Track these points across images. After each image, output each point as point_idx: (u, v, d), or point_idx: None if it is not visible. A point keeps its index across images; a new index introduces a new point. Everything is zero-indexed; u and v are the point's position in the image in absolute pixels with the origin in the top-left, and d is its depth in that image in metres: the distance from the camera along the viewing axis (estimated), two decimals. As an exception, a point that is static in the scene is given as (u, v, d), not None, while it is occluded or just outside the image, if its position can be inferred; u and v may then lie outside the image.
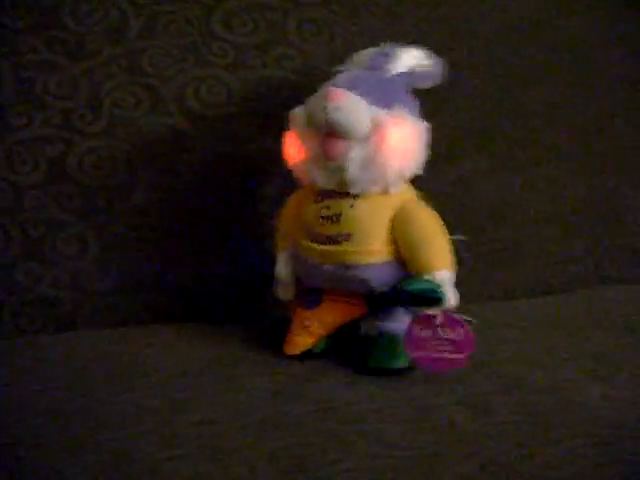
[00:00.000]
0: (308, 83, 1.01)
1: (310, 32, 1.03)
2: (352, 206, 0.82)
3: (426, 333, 0.80)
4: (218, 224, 1.00)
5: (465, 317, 0.80)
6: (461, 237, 0.85)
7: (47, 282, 0.95)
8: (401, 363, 0.82)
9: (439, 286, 0.79)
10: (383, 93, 0.82)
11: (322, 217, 0.83)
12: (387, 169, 0.81)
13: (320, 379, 0.81)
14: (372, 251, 0.82)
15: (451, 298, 0.80)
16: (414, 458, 0.66)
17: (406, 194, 0.85)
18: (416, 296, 0.79)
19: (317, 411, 0.74)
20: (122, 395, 0.77)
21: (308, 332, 0.86)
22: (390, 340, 0.84)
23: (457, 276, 1.00)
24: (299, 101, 1.00)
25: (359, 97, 0.80)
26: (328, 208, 0.83)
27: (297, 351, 0.87)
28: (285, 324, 0.90)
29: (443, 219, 0.98)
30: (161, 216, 0.98)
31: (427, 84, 0.89)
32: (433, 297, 0.79)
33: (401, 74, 0.86)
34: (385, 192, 0.82)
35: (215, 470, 0.64)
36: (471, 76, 1.09)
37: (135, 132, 0.98)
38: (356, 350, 0.86)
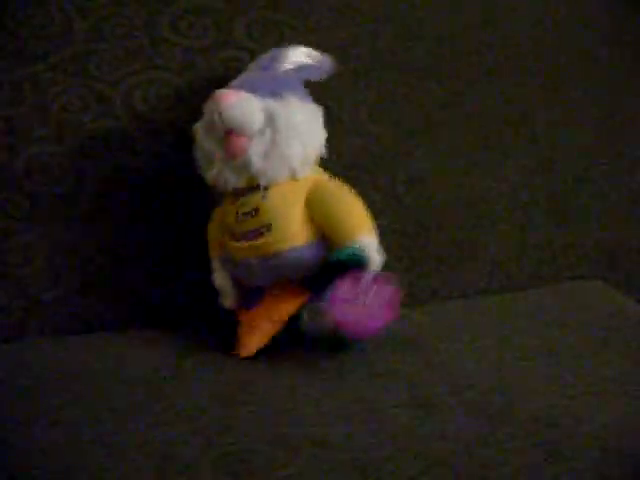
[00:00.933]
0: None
1: (259, 33, 1.02)
2: (264, 197, 0.85)
3: (347, 295, 0.80)
4: (168, 228, 0.99)
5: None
6: None
7: (-5, 291, 0.94)
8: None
9: (363, 250, 0.81)
10: (272, 86, 0.86)
11: (241, 214, 0.86)
12: (288, 155, 0.84)
13: (266, 382, 0.81)
14: (293, 235, 0.84)
15: (376, 260, 0.82)
16: (360, 460, 0.65)
17: (315, 176, 0.88)
18: (343, 264, 0.81)
19: (263, 415, 0.73)
20: (67, 403, 0.76)
21: (258, 331, 0.86)
22: None
23: (413, 274, 1.01)
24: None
25: (248, 93, 0.84)
26: (244, 205, 0.86)
27: (252, 352, 0.86)
28: (235, 326, 0.89)
29: (396, 220, 0.98)
30: (110, 222, 0.97)
31: (317, 77, 0.92)
32: (359, 262, 0.81)
33: (290, 70, 0.90)
34: (293, 178, 0.85)
35: (159, 477, 0.64)
36: (424, 76, 1.09)
37: (83, 137, 0.96)
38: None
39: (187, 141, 0.93)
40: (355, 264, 0.81)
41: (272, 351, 0.87)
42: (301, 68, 0.91)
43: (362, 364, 0.84)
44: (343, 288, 0.80)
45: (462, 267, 1.11)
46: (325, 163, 1.00)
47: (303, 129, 0.85)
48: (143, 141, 0.98)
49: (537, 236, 1.15)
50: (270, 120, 0.84)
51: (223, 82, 0.95)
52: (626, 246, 1.19)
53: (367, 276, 0.80)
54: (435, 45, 1.10)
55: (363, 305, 0.80)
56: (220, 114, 0.83)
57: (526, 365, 0.85)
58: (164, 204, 0.99)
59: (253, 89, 0.85)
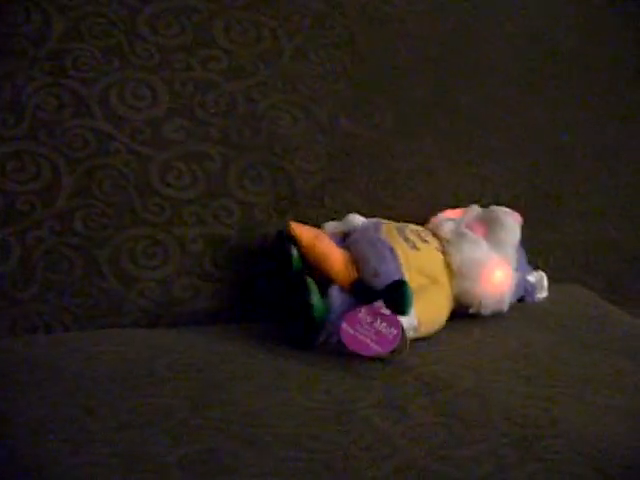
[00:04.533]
0: (235, 85, 1.01)
1: (237, 33, 1.01)
2: None
3: (365, 316, 0.84)
4: (143, 228, 0.98)
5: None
6: None
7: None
8: None
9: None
10: None
11: None
12: None
13: (239, 383, 0.80)
14: None
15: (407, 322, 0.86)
16: (329, 461, 0.65)
17: None
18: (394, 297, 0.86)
19: (234, 415, 0.72)
20: (34, 401, 0.75)
21: None
22: None
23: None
24: (226, 104, 1.00)
25: None
26: None
27: None
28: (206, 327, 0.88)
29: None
30: (85, 221, 0.96)
31: None
32: (402, 306, 0.86)
33: None
34: None
35: (126, 477, 0.63)
36: (404, 75, 1.08)
37: (59, 135, 0.96)
38: None
39: (164, 140, 0.93)
40: (398, 305, 0.85)
41: (247, 354, 0.86)
42: None
43: (335, 366, 0.83)
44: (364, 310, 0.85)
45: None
46: (302, 163, 1.00)
47: None
48: (119, 139, 0.97)
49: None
50: None
51: (200, 82, 0.95)
52: (603, 248, 1.19)
53: (385, 310, 0.85)
54: (417, 44, 1.10)
55: (374, 329, 0.83)
56: None
57: (503, 366, 0.85)
58: (139, 202, 0.98)
59: None
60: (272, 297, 0.98)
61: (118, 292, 0.97)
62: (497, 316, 0.98)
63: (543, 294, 1.06)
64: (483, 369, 0.83)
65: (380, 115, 1.06)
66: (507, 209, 1.01)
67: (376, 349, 0.82)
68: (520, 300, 1.04)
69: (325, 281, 0.91)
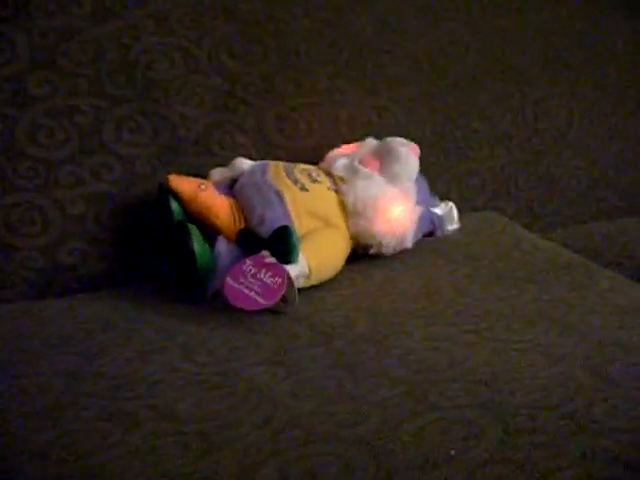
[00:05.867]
0: (102, 30, 0.93)
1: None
2: None
3: (250, 268, 0.78)
4: (17, 194, 0.91)
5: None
6: None
7: None
8: None
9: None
10: None
11: None
12: None
13: (117, 351, 0.73)
14: None
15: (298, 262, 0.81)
16: (203, 432, 0.59)
17: None
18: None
19: (105, 389, 0.67)
20: None
21: None
22: None
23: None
24: (94, 51, 0.93)
25: None
26: None
27: None
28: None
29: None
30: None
31: None
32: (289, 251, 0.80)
33: None
34: None
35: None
36: (288, 5, 1.01)
37: None
38: None
39: (28, 96, 0.85)
40: (283, 253, 0.79)
41: (131, 318, 0.80)
42: None
43: (224, 323, 0.78)
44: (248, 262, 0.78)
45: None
46: (184, 109, 0.94)
47: None
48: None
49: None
50: None
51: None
52: (514, 173, 1.15)
53: (270, 259, 0.78)
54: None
55: (259, 280, 0.77)
56: None
57: (403, 308, 0.80)
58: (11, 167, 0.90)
59: None
60: (161, 255, 0.92)
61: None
62: (402, 254, 0.93)
63: (454, 226, 1.01)
64: (381, 312, 0.78)
65: (263, 50, 0.99)
66: (403, 140, 0.95)
67: (261, 302, 0.76)
68: (430, 234, 0.98)
69: (214, 234, 0.85)
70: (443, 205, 1.00)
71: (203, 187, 0.86)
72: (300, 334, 0.74)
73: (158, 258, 0.91)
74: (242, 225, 0.84)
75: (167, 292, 0.86)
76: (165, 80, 0.95)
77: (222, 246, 0.82)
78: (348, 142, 0.99)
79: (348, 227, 0.89)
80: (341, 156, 0.93)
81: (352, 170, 0.90)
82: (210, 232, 0.85)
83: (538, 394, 0.61)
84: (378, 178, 0.90)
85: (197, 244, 0.81)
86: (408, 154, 0.92)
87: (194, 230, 0.82)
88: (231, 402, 0.63)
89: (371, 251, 0.90)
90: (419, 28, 1.09)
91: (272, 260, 0.78)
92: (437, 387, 0.63)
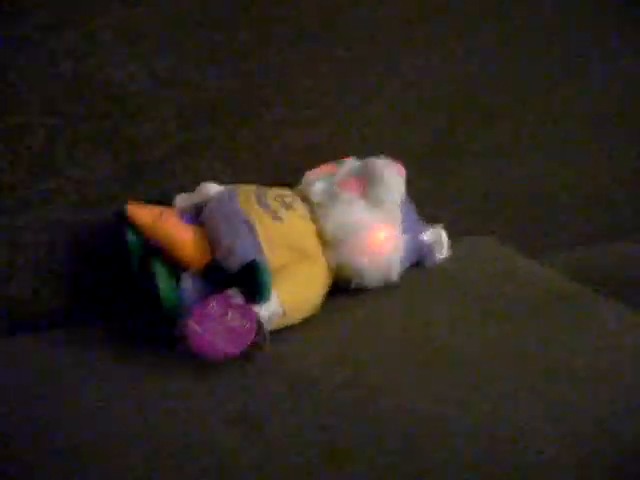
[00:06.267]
0: (56, 41, 0.84)
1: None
2: None
3: (215, 309, 0.69)
4: None
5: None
6: None
7: None
8: None
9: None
10: None
11: None
12: None
13: (59, 409, 0.64)
14: None
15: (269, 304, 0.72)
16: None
17: None
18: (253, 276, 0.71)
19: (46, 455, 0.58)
20: None
21: None
22: None
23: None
24: (46, 64, 0.84)
25: None
26: None
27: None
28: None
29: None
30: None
31: None
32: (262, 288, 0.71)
33: None
34: None
35: None
36: (261, 9, 0.92)
37: None
38: None
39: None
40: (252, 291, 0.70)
41: (80, 365, 0.72)
42: None
43: (187, 372, 0.69)
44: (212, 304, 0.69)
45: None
46: (146, 128, 0.86)
47: None
48: None
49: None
50: None
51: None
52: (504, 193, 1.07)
53: (238, 299, 0.69)
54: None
55: (224, 324, 0.68)
56: None
57: (387, 352, 0.71)
58: None
59: None
60: (121, 292, 0.83)
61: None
62: (387, 288, 0.84)
63: (443, 253, 0.92)
64: (361, 360, 0.69)
65: (234, 63, 0.90)
66: (387, 160, 0.86)
67: (227, 351, 0.67)
68: (418, 264, 0.90)
69: (180, 269, 0.76)
70: (432, 231, 0.91)
71: (165, 217, 0.77)
72: (269, 387, 0.66)
73: (118, 294, 0.83)
74: (210, 256, 0.75)
75: (126, 333, 0.78)
76: (125, 95, 0.86)
77: (187, 283, 0.73)
78: (327, 162, 0.90)
79: (327, 259, 0.80)
80: (319, 178, 0.84)
81: (331, 195, 0.82)
82: (177, 267, 0.76)
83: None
84: (360, 203, 0.81)
85: (163, 283, 0.72)
86: (393, 175, 0.83)
87: (158, 267, 0.73)
88: (189, 469, 0.54)
89: (353, 285, 0.82)
90: (406, 44, 1.01)
91: (239, 301, 0.69)
92: (425, 461, 0.54)
